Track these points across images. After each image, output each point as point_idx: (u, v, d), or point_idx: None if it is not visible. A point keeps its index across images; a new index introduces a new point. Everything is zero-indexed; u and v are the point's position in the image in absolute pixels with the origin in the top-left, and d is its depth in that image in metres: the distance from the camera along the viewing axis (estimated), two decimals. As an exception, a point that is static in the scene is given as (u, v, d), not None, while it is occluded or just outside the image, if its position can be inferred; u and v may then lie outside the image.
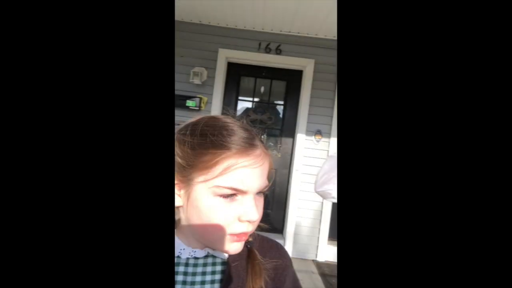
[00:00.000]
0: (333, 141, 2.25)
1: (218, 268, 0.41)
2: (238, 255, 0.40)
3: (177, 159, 0.37)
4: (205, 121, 0.39)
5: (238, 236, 0.37)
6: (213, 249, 0.40)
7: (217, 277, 0.40)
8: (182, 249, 0.40)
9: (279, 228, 2.44)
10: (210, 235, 0.37)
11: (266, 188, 0.39)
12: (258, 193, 0.38)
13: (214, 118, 0.41)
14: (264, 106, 2.50)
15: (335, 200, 0.91)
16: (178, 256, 0.40)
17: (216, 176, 0.34)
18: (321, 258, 2.31)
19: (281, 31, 2.28)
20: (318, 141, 2.28)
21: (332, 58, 2.26)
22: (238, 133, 0.37)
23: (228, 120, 0.40)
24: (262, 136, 2.40)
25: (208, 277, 0.40)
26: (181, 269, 0.39)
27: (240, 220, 0.36)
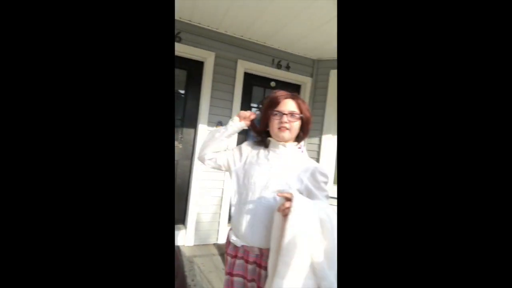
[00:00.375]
0: (233, 132, 2.42)
1: None
2: None
3: None
4: None
5: None
6: None
7: None
8: None
9: (181, 219, 2.45)
10: None
11: None
12: None
13: None
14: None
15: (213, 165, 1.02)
16: None
17: None
18: (221, 240, 2.46)
19: (180, 18, 2.24)
20: (218, 132, 2.40)
21: (231, 54, 2.40)
22: None
23: None
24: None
25: None
26: None
27: None
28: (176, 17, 2.20)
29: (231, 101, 2.44)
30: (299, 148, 1.00)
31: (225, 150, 1.03)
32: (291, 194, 0.74)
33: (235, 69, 2.43)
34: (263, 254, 0.87)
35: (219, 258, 2.22)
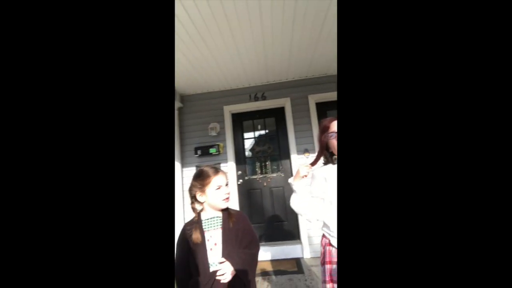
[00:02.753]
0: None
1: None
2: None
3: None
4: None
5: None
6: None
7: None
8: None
9: (297, 235, 2.94)
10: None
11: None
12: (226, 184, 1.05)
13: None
14: (263, 140, 3.24)
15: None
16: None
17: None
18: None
19: (262, 82, 3.13)
20: (307, 157, 2.88)
21: (301, 93, 2.99)
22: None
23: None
24: (267, 162, 3.10)
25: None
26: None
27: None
28: (258, 83, 3.10)
29: (311, 130, 2.92)
30: None
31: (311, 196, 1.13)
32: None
33: (307, 104, 2.96)
34: None
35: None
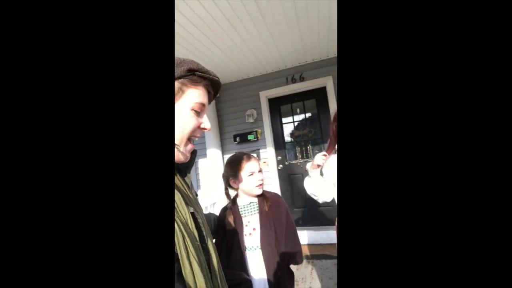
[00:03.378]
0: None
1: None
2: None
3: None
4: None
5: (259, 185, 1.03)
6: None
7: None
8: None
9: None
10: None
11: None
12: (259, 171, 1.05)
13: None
14: (303, 123, 3.10)
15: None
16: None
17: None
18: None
19: (299, 63, 2.92)
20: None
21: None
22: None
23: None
24: (308, 147, 2.99)
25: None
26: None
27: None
28: (295, 63, 2.91)
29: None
30: None
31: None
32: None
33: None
34: None
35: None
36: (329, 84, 2.80)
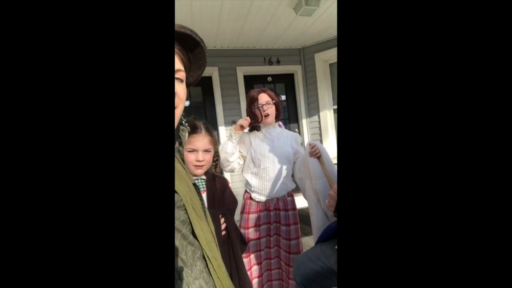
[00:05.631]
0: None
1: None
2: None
3: None
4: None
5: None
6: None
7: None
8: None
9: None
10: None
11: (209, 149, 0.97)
12: (204, 150, 0.96)
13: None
14: (187, 110, 3.04)
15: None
16: None
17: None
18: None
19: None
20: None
21: (230, 64, 2.94)
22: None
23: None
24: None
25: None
26: None
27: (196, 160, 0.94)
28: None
29: (239, 102, 2.99)
30: (280, 126, 1.45)
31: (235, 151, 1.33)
32: (313, 144, 1.21)
33: (235, 75, 2.97)
34: (279, 200, 1.34)
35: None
36: (215, 74, 2.93)
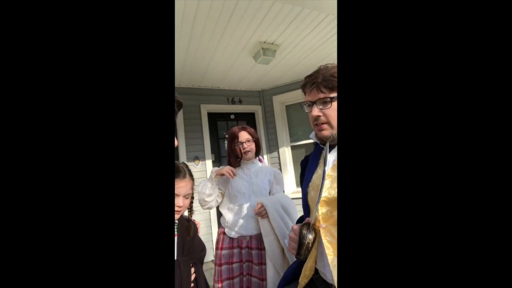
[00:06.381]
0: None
1: None
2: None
3: None
4: None
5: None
6: None
7: None
8: None
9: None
10: None
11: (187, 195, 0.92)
12: (185, 196, 0.91)
13: None
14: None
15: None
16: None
17: None
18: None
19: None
20: (197, 165, 2.98)
21: (194, 101, 3.07)
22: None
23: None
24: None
25: None
26: None
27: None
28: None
29: (202, 138, 3.06)
30: (260, 160, 1.47)
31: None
32: (260, 203, 1.23)
33: (199, 112, 3.08)
34: (252, 239, 1.30)
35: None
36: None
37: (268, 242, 1.23)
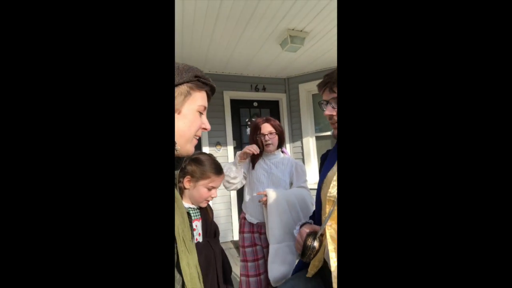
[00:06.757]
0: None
1: None
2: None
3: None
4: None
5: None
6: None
7: None
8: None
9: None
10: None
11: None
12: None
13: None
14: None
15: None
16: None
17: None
18: (236, 237, 3.03)
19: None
20: (219, 150, 3.03)
21: (217, 87, 3.05)
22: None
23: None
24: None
25: None
26: None
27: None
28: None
29: (224, 124, 3.07)
30: (283, 152, 1.48)
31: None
32: (265, 191, 1.27)
33: (222, 99, 3.08)
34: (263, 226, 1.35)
35: (235, 250, 2.80)
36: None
37: (266, 230, 1.28)
